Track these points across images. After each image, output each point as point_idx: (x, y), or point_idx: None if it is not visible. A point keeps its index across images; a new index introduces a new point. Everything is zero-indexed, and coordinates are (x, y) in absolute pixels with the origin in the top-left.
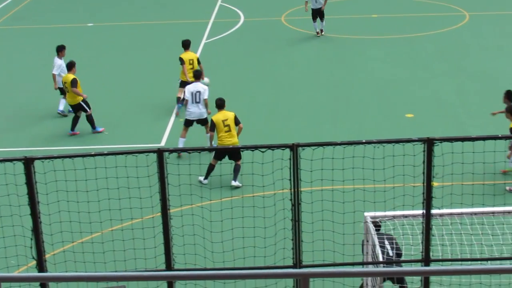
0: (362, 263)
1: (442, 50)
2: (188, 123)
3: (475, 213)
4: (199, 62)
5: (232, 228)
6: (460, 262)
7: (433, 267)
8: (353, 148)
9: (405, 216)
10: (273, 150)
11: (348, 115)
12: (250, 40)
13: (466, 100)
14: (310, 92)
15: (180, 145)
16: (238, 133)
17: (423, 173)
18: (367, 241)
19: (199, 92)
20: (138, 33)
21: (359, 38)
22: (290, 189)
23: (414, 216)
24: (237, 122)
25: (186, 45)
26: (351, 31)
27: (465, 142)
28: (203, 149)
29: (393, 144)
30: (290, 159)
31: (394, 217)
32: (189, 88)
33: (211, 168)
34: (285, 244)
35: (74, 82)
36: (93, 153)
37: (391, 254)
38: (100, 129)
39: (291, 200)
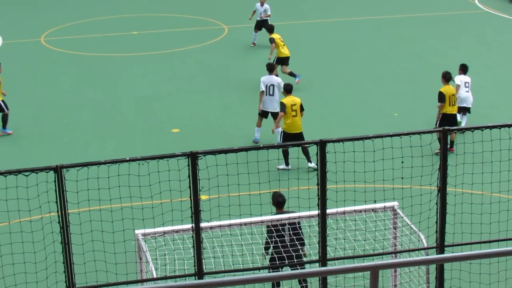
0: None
1: (204, 64)
2: (263, 114)
3: (244, 223)
4: None
5: (1, 255)
6: (233, 273)
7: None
8: (117, 166)
9: (176, 231)
10: (37, 173)
11: (114, 133)
12: (9, 62)
13: (230, 112)
14: (75, 112)
15: (256, 134)
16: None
17: (189, 187)
18: (140, 258)
19: (273, 85)
20: None
21: (120, 55)
22: (57, 212)
23: (184, 230)
24: (302, 108)
25: None
26: (112, 49)
27: (228, 154)
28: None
29: (157, 160)
30: (54, 181)
31: (164, 232)
32: (264, 81)
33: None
34: (56, 268)
35: None
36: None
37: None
38: (9, 131)
39: (59, 222)
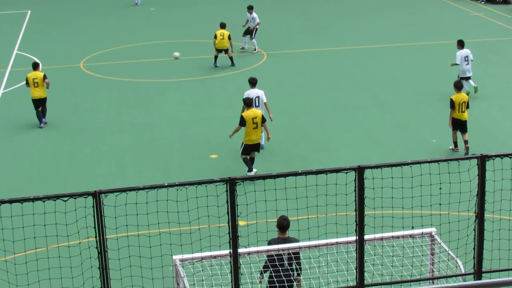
0: None
1: (242, 90)
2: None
3: (282, 249)
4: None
5: (38, 280)
6: None
7: None
8: (156, 192)
9: (214, 257)
10: (75, 198)
11: (152, 158)
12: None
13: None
14: (113, 137)
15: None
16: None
17: (227, 213)
18: (178, 284)
19: (258, 97)
20: None
21: (158, 81)
22: (96, 237)
23: (222, 256)
24: (263, 120)
25: None
26: (150, 75)
27: (266, 180)
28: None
29: (195, 185)
30: (93, 206)
31: (202, 258)
32: (249, 94)
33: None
34: None
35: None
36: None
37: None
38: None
39: (97, 248)
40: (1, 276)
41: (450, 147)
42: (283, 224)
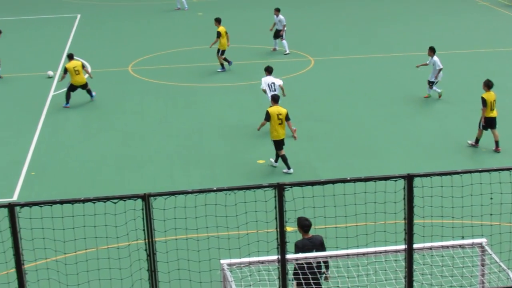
0: None
1: (290, 95)
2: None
3: (330, 256)
4: None
5: (88, 281)
6: None
7: None
8: (205, 196)
9: (261, 262)
10: (125, 200)
11: (200, 162)
12: (98, 90)
13: (316, 144)
14: (161, 141)
15: None
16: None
17: (276, 218)
18: None
19: (274, 83)
20: None
21: (206, 86)
22: (145, 239)
23: (269, 261)
24: (287, 118)
25: None
26: (198, 79)
27: (315, 186)
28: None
29: (244, 190)
30: (142, 209)
31: (250, 263)
32: (265, 80)
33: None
34: None
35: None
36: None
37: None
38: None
39: (146, 250)
40: (52, 275)
41: (469, 142)
42: (305, 225)
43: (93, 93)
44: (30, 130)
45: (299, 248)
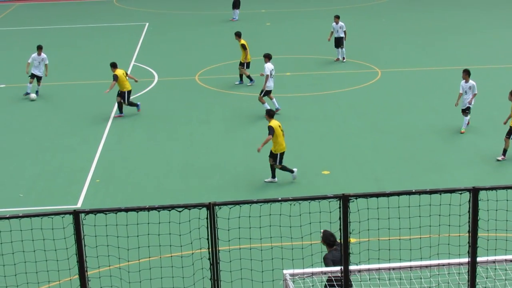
0: None
1: (356, 107)
2: (267, 93)
3: (393, 268)
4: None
5: None
6: None
7: None
8: (269, 206)
9: (324, 273)
10: (189, 209)
11: (265, 172)
12: (163, 99)
13: (381, 156)
14: (227, 150)
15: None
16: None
17: (340, 229)
18: None
19: (273, 69)
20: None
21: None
22: (208, 248)
23: (333, 272)
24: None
25: None
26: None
27: (380, 198)
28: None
29: (309, 201)
30: (207, 218)
31: (313, 274)
32: (268, 67)
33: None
34: None
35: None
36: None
37: None
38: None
39: (209, 259)
40: (115, 283)
41: (499, 158)
42: (331, 240)
43: (138, 103)
44: (96, 137)
45: (330, 260)
